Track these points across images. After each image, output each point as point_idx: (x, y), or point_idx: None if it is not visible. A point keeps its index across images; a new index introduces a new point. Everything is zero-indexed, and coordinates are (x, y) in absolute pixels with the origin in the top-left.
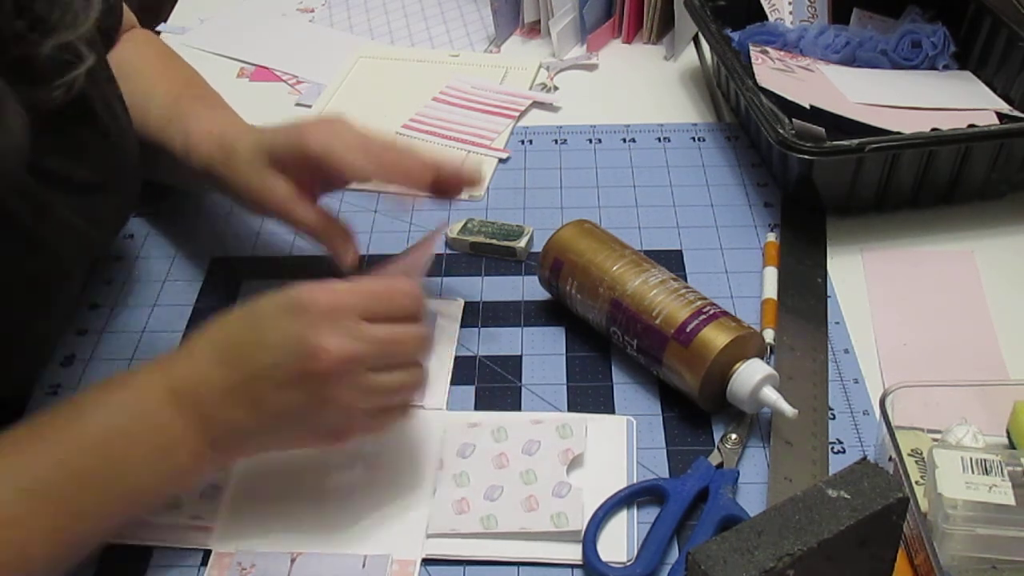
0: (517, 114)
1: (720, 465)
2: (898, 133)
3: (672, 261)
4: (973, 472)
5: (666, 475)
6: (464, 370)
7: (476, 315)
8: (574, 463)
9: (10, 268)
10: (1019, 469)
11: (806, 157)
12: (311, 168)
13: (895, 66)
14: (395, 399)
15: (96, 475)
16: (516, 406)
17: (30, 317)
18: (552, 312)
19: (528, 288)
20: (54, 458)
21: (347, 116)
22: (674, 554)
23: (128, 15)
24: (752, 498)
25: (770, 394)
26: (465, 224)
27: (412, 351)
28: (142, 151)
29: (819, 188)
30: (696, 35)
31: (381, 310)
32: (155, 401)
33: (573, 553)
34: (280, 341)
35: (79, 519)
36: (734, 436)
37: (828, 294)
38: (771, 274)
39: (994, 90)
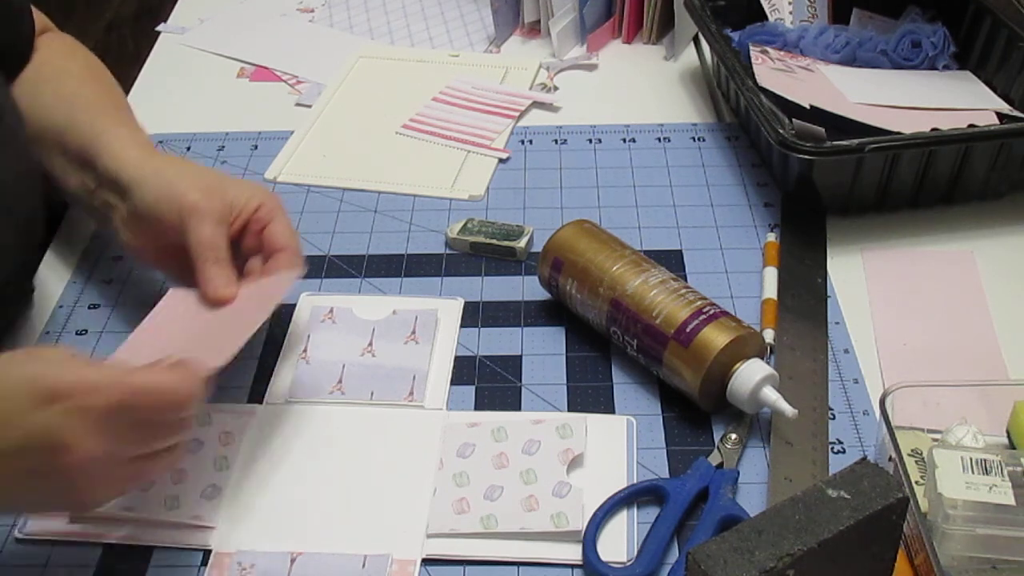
0: (517, 114)
1: (720, 465)
2: (898, 133)
3: (672, 261)
4: (973, 472)
5: (666, 475)
6: (464, 370)
7: (476, 315)
8: (574, 463)
9: None
10: (1019, 469)
11: (806, 157)
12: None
13: (895, 66)
14: (141, 479)
15: None
16: (516, 406)
17: None
18: (552, 312)
19: (528, 288)
20: None
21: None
22: (674, 554)
23: (41, 20)
24: (752, 498)
25: (770, 394)
26: (465, 224)
27: (165, 461)
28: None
29: (819, 188)
30: (696, 35)
31: (141, 411)
32: None
33: (573, 553)
34: (25, 429)
35: None
36: (734, 436)
37: (828, 294)
38: (771, 274)
39: (994, 90)
